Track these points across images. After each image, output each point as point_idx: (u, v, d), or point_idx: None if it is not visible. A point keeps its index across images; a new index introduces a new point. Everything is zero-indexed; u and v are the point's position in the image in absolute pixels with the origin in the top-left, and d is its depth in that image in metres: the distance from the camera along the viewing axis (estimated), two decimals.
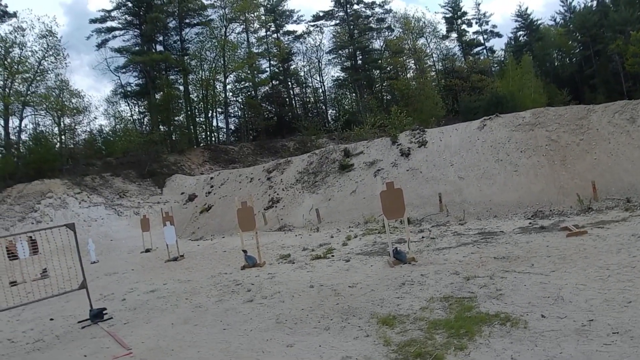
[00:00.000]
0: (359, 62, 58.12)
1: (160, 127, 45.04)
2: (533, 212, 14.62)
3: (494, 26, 66.29)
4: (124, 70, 47.43)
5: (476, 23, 64.71)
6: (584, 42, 59.44)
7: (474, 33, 65.03)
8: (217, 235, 22.64)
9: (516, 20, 66.27)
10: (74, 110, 39.95)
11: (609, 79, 54.70)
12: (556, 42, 61.90)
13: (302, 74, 58.99)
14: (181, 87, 48.32)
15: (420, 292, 7.97)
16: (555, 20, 66.09)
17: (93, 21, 46.84)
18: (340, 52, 58.62)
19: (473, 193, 17.11)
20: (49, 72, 39.07)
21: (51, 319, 9.56)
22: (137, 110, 49.88)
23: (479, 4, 64.15)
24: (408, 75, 57.27)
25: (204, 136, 50.88)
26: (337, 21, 58.76)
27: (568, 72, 61.00)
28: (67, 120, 40.50)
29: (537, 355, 5.09)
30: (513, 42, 66.38)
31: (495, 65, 64.41)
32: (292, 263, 12.44)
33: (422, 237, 13.35)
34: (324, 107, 60.04)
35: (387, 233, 11.41)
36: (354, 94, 58.60)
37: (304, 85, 59.78)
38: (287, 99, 57.94)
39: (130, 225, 26.76)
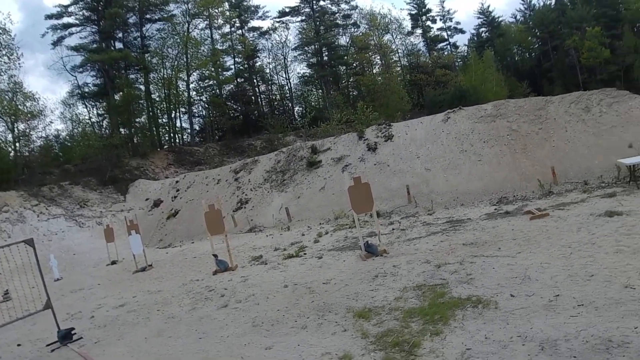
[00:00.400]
0: (325, 58, 58.25)
1: (121, 129, 43.35)
2: (498, 198, 15.30)
3: (458, 23, 67.85)
4: (81, 69, 45.46)
5: (440, 20, 66.13)
6: (542, 38, 62.52)
7: (438, 29, 66.42)
8: (186, 241, 22.25)
9: (478, 17, 68.33)
10: (29, 115, 37.60)
11: (565, 72, 57.59)
12: (516, 38, 64.83)
13: (267, 71, 58.73)
14: (142, 87, 46.89)
15: (394, 283, 8.27)
16: (515, 17, 69.55)
17: (49, 17, 44.72)
18: (306, 48, 58.65)
19: (440, 183, 17.70)
20: (2, 73, 36.97)
21: (18, 345, 9.16)
22: (95, 112, 47.81)
23: (443, 2, 65.50)
24: (374, 70, 57.82)
25: (167, 138, 49.87)
26: (303, 17, 58.76)
27: (527, 66, 63.90)
28: (22, 126, 38.27)
29: (509, 332, 5.48)
30: (475, 38, 68.39)
31: (459, 60, 65.99)
32: (264, 264, 12.46)
33: (393, 229, 13.69)
34: (290, 104, 59.84)
35: (357, 227, 11.65)
36: (320, 91, 58.74)
37: (270, 82, 59.40)
38: (253, 97, 57.45)
39: (94, 237, 25.38)
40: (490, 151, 17.86)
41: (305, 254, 12.69)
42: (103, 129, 44.95)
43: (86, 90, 46.63)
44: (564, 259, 7.54)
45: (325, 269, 10.36)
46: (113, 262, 19.21)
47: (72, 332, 8.83)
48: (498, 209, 13.63)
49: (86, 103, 47.23)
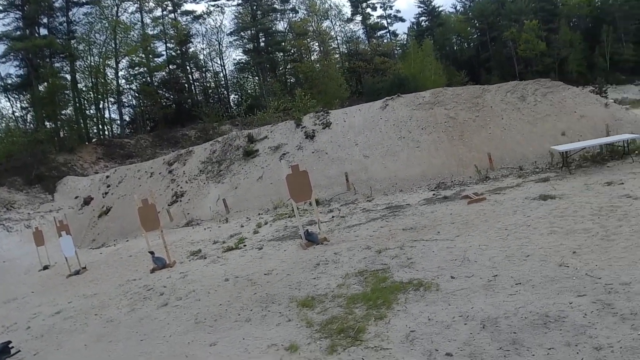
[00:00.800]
0: (262, 44, 57.81)
1: (46, 123, 41.04)
2: (436, 184, 15.76)
3: (398, 11, 69.96)
4: (3, 59, 42.45)
5: (380, 7, 67.48)
6: (481, 29, 65.65)
7: (378, 17, 67.78)
8: (120, 239, 21.33)
9: (419, 6, 70.57)
10: None
11: (503, 63, 60.81)
12: (456, 28, 67.54)
13: (201, 57, 57.49)
14: (68, 76, 44.33)
15: (336, 270, 8.37)
16: (455, 7, 73.24)
17: None
18: (242, 33, 57.77)
19: (378, 170, 17.99)
20: None
21: None
22: (19, 105, 44.81)
23: None
24: (312, 57, 58.13)
25: (95, 130, 47.62)
26: (240, 1, 57.73)
27: (466, 55, 66.75)
28: None
29: (451, 312, 5.71)
30: (415, 27, 70.42)
31: (398, 48, 67.48)
32: (204, 258, 12.26)
33: (332, 217, 13.81)
34: (225, 92, 58.99)
35: (296, 216, 11.69)
36: (257, 78, 58.09)
37: (204, 69, 58.15)
38: (186, 85, 56.05)
39: (23, 241, 23.59)
40: (428, 138, 18.32)
41: (245, 245, 12.58)
42: (27, 124, 42.40)
43: (9, 82, 43.62)
44: (501, 241, 7.91)
45: (266, 260, 10.35)
46: (45, 267, 18.07)
47: (10, 345, 8.33)
48: (436, 194, 14.01)
49: (9, 96, 44.18)
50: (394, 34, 69.43)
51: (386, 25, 67.75)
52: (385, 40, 66.56)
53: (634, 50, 58.20)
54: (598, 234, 7.21)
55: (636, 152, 13.35)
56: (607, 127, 16.04)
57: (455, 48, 70.04)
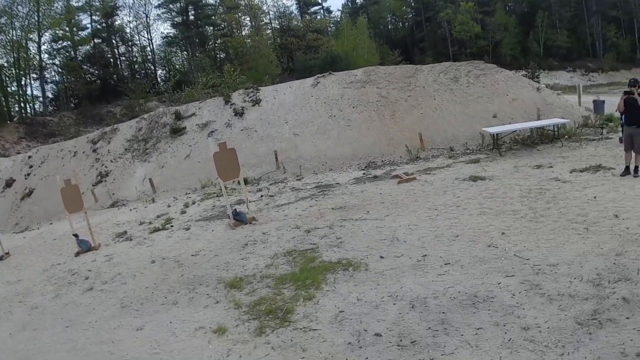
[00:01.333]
0: (192, 17, 56.57)
1: None
2: (366, 163, 16.01)
3: None
4: None
5: None
6: (417, 9, 66.92)
7: None
8: (43, 222, 20.52)
9: None
10: None
11: (437, 43, 62.27)
12: (391, 7, 68.07)
13: (128, 30, 55.85)
14: None
15: (264, 250, 8.34)
16: None
17: None
18: (170, 6, 56.36)
19: (308, 148, 18.02)
20: None
21: None
22: None
23: None
24: (243, 32, 57.29)
25: (17, 108, 45.79)
26: None
27: (400, 35, 67.74)
28: None
29: (380, 292, 5.81)
30: (350, 4, 70.37)
31: (332, 25, 67.61)
32: (129, 240, 11.98)
33: (261, 196, 13.74)
34: (153, 67, 57.59)
35: (224, 196, 11.57)
36: (185, 53, 57.06)
37: (131, 43, 56.50)
38: (112, 60, 54.46)
39: None
40: (360, 117, 18.46)
41: (172, 226, 12.33)
42: None
43: None
44: (430, 221, 8.11)
45: (194, 241, 10.20)
46: None
47: None
48: (366, 173, 14.20)
49: None
50: (328, 10, 69.76)
51: (320, 1, 67.54)
52: (318, 17, 66.58)
53: (568, 37, 61.41)
54: (527, 216, 7.52)
55: (566, 136, 14.09)
56: (539, 110, 16.73)
57: (389, 27, 70.87)
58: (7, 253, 14.58)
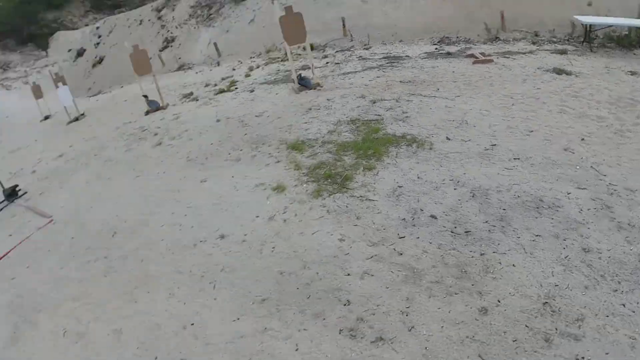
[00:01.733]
0: None
1: None
2: (439, 38, 14.92)
3: None
4: None
5: None
6: None
7: None
8: (114, 86, 21.97)
9: None
10: None
11: None
12: None
13: None
14: None
15: (327, 117, 8.32)
16: None
17: None
18: None
19: (378, 17, 17.00)
20: None
21: None
22: None
23: None
24: None
25: None
26: None
27: None
28: None
29: (442, 174, 5.73)
30: None
31: None
32: (195, 100, 12.43)
33: (327, 63, 13.47)
34: None
35: (290, 60, 11.37)
36: None
37: None
38: None
39: (23, 97, 25.05)
40: None
41: (236, 88, 12.53)
42: None
43: None
44: (504, 109, 7.52)
45: (258, 102, 10.34)
46: (46, 117, 18.96)
47: (17, 188, 9.24)
48: (439, 48, 13.40)
49: None
50: None
51: None
52: None
53: None
54: (612, 126, 6.65)
55: None
56: None
57: None
58: (83, 114, 16.10)
